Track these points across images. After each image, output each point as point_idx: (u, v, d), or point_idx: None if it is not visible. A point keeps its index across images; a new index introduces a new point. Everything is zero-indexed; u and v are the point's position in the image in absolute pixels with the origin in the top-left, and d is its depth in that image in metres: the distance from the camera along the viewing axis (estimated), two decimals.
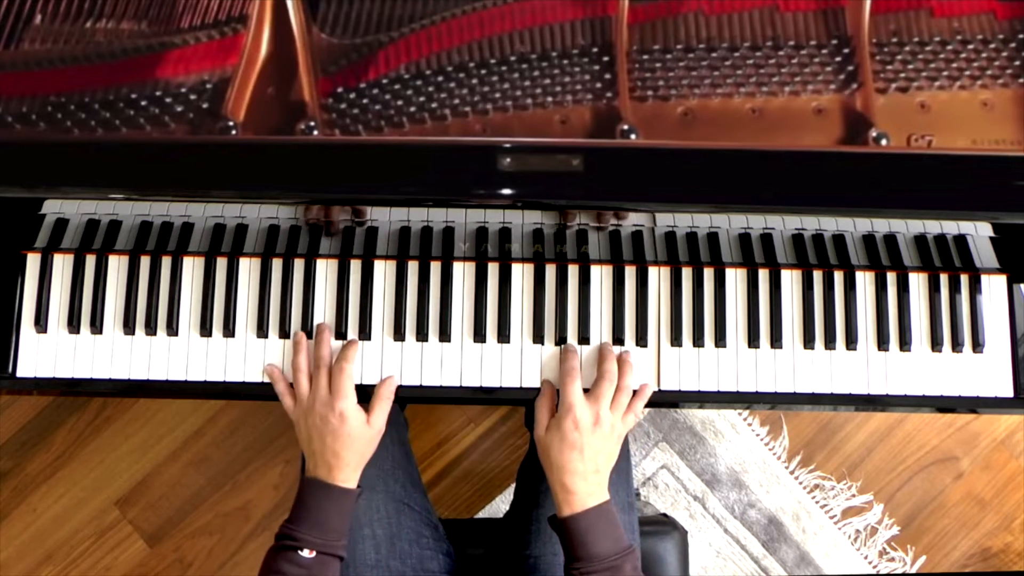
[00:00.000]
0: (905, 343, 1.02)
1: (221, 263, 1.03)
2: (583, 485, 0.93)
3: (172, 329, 1.01)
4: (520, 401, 1.02)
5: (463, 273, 1.03)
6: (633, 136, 0.91)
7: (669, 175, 0.92)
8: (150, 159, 0.91)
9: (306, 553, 0.92)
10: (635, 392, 1.00)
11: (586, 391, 0.97)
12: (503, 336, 1.01)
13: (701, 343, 1.02)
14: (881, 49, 0.94)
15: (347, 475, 0.95)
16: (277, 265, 1.02)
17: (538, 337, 1.01)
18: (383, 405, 0.98)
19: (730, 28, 0.94)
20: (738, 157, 0.91)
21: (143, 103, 0.91)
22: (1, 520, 1.72)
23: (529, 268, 1.03)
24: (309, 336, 1.01)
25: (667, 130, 0.92)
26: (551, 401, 0.98)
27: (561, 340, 1.01)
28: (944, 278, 1.03)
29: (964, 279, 1.03)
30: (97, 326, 1.01)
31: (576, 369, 0.98)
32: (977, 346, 1.02)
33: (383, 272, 1.03)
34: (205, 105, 0.91)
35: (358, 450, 0.96)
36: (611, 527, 0.93)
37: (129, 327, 1.01)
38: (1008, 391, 1.02)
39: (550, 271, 1.03)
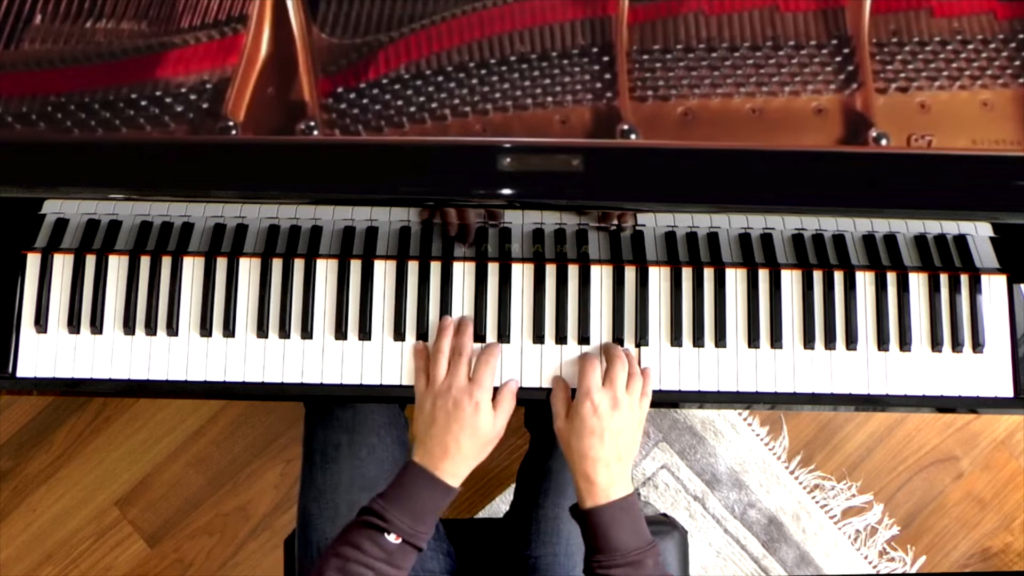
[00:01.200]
0: (905, 343, 1.02)
1: (221, 263, 1.03)
2: (605, 474, 0.92)
3: (172, 329, 1.01)
4: (520, 401, 1.02)
5: (463, 273, 1.03)
6: (633, 136, 0.91)
7: (669, 175, 0.92)
8: (150, 159, 0.91)
9: (392, 538, 0.89)
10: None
11: None
12: (503, 336, 1.01)
13: (701, 343, 1.02)
14: (881, 49, 0.94)
15: (457, 469, 0.93)
16: (277, 265, 1.02)
17: (538, 337, 1.01)
18: (507, 407, 0.97)
19: (730, 28, 0.94)
20: (738, 157, 0.91)
21: (143, 103, 0.91)
22: (1, 520, 1.72)
23: (529, 268, 1.03)
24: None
25: (667, 130, 0.92)
26: (565, 394, 0.98)
27: (561, 340, 1.01)
28: (944, 278, 1.03)
29: (964, 279, 1.03)
30: (97, 326, 1.01)
31: (596, 359, 0.98)
32: (977, 346, 1.02)
33: (383, 272, 1.03)
34: (205, 105, 0.91)
35: (477, 445, 0.94)
36: (634, 521, 0.92)
37: (129, 327, 1.01)
38: (1008, 391, 1.02)
39: (550, 271, 1.03)
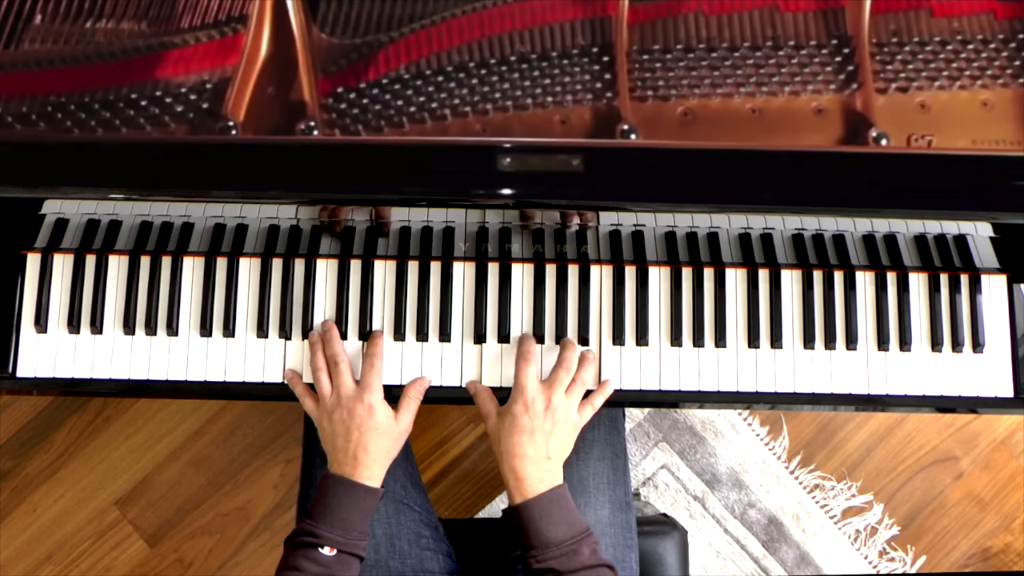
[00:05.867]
0: (905, 343, 1.02)
1: (221, 263, 1.03)
2: (534, 470, 0.93)
3: (172, 329, 1.01)
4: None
5: (463, 273, 1.03)
6: (633, 136, 0.91)
7: (669, 175, 0.92)
8: (150, 159, 0.91)
9: (326, 551, 0.90)
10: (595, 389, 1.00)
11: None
12: (503, 336, 1.01)
13: (701, 343, 1.02)
14: (881, 49, 0.94)
15: (373, 473, 0.94)
16: (277, 265, 1.02)
17: (538, 337, 1.01)
18: (411, 404, 0.98)
19: (730, 28, 0.94)
20: (738, 157, 0.91)
21: (143, 103, 0.91)
22: (1, 520, 1.72)
23: (529, 268, 1.03)
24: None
25: (667, 130, 0.92)
26: (489, 393, 0.99)
27: (561, 340, 1.01)
28: (944, 278, 1.03)
29: (964, 279, 1.03)
30: (97, 326, 1.01)
31: (531, 353, 0.97)
32: (977, 346, 1.02)
33: (383, 272, 1.03)
34: (205, 105, 0.91)
35: (385, 446, 0.95)
36: (565, 512, 0.93)
37: (129, 327, 1.01)
38: (1008, 391, 1.02)
39: (550, 271, 1.03)
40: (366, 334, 1.01)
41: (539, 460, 0.93)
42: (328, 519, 0.92)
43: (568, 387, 0.97)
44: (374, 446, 0.94)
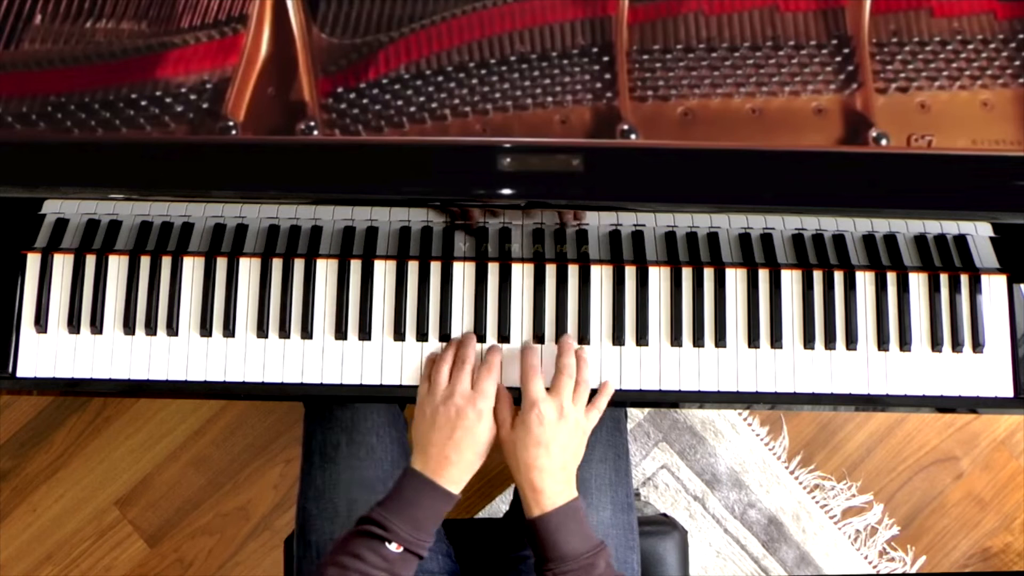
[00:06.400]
0: (905, 343, 1.02)
1: (221, 263, 1.03)
2: (551, 483, 0.92)
3: (172, 329, 1.01)
4: (520, 401, 1.02)
5: (463, 273, 1.03)
6: (633, 136, 0.91)
7: (669, 175, 0.92)
8: (150, 159, 0.91)
9: (393, 547, 0.88)
10: (595, 390, 1.00)
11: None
12: (503, 336, 1.01)
13: (701, 343, 1.02)
14: (881, 49, 0.94)
15: (456, 477, 0.93)
16: (277, 265, 1.02)
17: (538, 337, 1.01)
18: (503, 417, 0.97)
19: (730, 28, 0.94)
20: (738, 157, 0.91)
21: (143, 103, 0.91)
22: (1, 520, 1.72)
23: (529, 268, 1.03)
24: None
25: (667, 130, 0.92)
26: (509, 400, 0.98)
27: None
28: (944, 278, 1.03)
29: (964, 279, 1.03)
30: (97, 326, 1.01)
31: (536, 367, 0.97)
32: (977, 346, 1.02)
33: (383, 272, 1.03)
34: (205, 105, 0.91)
35: (476, 454, 0.94)
36: (581, 524, 0.92)
37: (129, 327, 1.01)
38: (1008, 391, 1.02)
39: (550, 271, 1.03)
40: (367, 334, 1.01)
41: (555, 471, 0.93)
42: (403, 514, 0.90)
43: (574, 392, 0.97)
44: (468, 450, 0.92)
